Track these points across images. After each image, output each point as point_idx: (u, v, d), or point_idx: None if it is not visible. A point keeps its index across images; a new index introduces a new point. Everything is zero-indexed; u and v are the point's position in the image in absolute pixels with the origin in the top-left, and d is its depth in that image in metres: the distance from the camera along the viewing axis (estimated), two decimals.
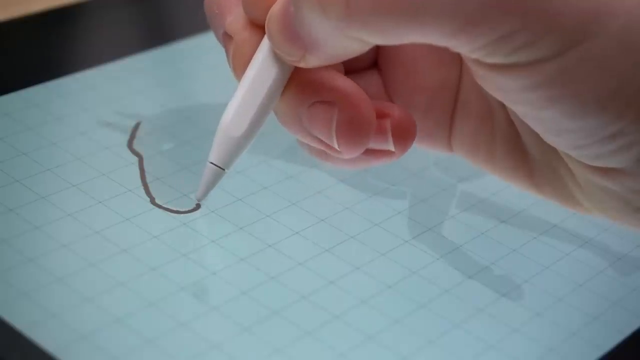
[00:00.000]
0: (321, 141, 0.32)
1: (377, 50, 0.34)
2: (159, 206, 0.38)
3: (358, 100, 0.31)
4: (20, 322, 0.32)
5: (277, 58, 0.31)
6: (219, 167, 0.33)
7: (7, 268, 0.34)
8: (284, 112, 0.32)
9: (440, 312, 0.35)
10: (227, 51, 0.32)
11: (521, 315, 0.35)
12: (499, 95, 0.30)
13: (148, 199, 0.38)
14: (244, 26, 0.32)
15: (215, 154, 0.32)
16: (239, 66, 0.32)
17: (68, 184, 0.38)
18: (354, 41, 0.28)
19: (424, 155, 0.42)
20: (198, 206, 0.38)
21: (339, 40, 0.29)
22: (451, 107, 0.34)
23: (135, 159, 0.40)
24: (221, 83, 0.46)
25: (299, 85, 0.31)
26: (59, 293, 0.33)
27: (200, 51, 0.49)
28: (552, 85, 0.28)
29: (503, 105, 0.33)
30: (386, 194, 0.40)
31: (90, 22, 0.51)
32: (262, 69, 0.31)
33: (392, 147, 0.32)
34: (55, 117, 0.42)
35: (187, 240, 0.36)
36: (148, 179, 0.39)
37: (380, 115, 0.32)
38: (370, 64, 0.34)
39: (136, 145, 0.41)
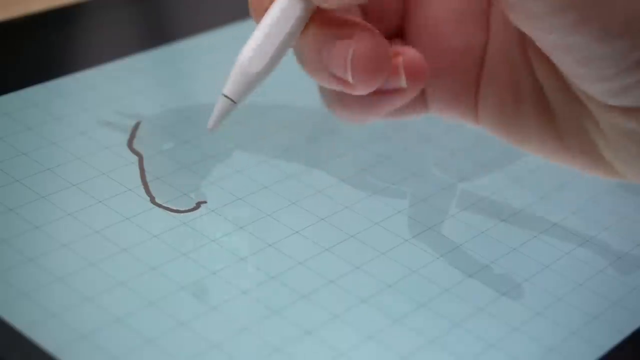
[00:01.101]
0: (338, 79, 0.33)
1: (402, 16, 0.34)
2: (159, 205, 0.38)
3: (374, 36, 0.32)
4: (20, 322, 0.32)
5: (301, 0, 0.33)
6: (232, 100, 0.34)
7: (7, 268, 0.34)
8: (304, 50, 0.33)
9: (440, 311, 0.35)
10: None
11: (521, 314, 0.35)
12: (528, 25, 0.30)
13: (148, 199, 0.38)
14: None
15: (230, 87, 0.34)
16: (259, 7, 0.33)
17: (68, 183, 0.38)
18: None
19: (424, 155, 0.43)
20: (198, 205, 0.38)
21: None
22: (476, 73, 0.35)
23: (135, 158, 0.40)
24: (221, 83, 0.46)
25: (321, 24, 0.33)
26: (59, 293, 0.33)
27: (200, 51, 0.49)
28: (582, 6, 0.28)
29: (528, 65, 0.34)
30: (386, 193, 0.40)
31: (90, 22, 0.51)
32: (285, 8, 0.33)
33: (404, 84, 0.33)
34: (56, 116, 0.42)
35: (187, 240, 0.36)
36: (148, 178, 0.39)
37: (394, 54, 0.33)
38: (395, 31, 0.35)
39: (136, 145, 0.41)
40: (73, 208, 0.37)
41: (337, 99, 0.34)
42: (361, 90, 0.32)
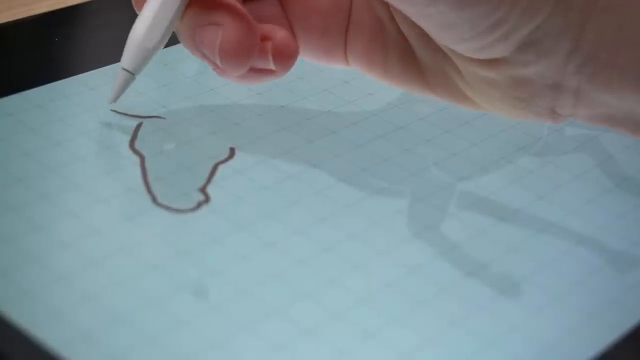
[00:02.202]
0: (210, 60, 0.36)
1: None
2: (161, 205, 0.38)
3: (242, 22, 0.35)
4: (23, 320, 0.32)
5: None
6: (131, 72, 0.39)
7: (10, 267, 0.34)
8: (182, 31, 0.37)
9: (439, 309, 0.35)
10: None
11: (519, 313, 0.35)
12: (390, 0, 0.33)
13: (150, 198, 0.38)
14: None
15: (128, 61, 0.39)
16: None
17: (70, 183, 0.38)
18: None
19: (424, 155, 0.43)
20: (199, 205, 0.38)
21: None
22: (344, 26, 0.38)
23: (137, 158, 0.40)
24: (221, 83, 0.46)
25: (197, 8, 0.36)
26: (60, 291, 0.34)
27: None
28: None
29: (393, 20, 0.37)
30: (386, 193, 0.40)
31: (93, 23, 0.51)
32: None
33: (273, 67, 0.37)
34: (58, 117, 0.42)
35: (188, 239, 0.36)
36: (149, 178, 0.39)
37: (263, 39, 0.36)
38: None
39: (138, 145, 0.41)
40: (75, 208, 0.37)
41: (215, 67, 0.37)
42: (230, 74, 0.36)
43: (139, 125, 0.42)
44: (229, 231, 0.37)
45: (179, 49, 0.49)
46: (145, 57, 0.38)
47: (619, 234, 0.39)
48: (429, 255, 0.37)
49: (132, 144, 0.41)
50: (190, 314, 0.33)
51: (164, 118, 0.43)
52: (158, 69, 0.47)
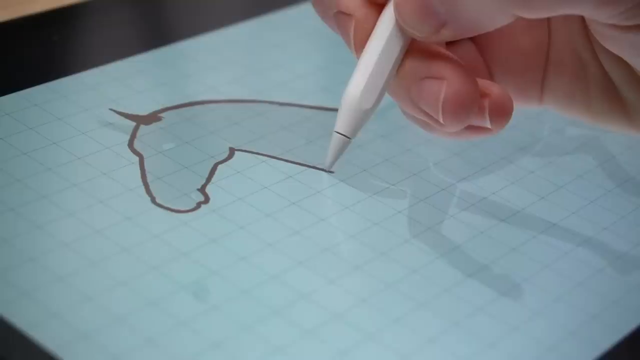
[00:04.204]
0: (427, 114, 0.34)
1: None
2: (160, 205, 0.38)
3: (466, 78, 0.33)
4: (21, 322, 0.32)
5: (400, 33, 0.34)
6: (346, 136, 0.36)
7: (8, 267, 0.34)
8: (396, 84, 0.35)
9: (439, 310, 0.35)
10: (341, 29, 0.35)
11: (520, 314, 0.35)
12: (630, 53, 0.32)
13: (149, 199, 0.38)
14: (362, 3, 0.34)
15: (343, 125, 0.36)
16: (360, 42, 0.35)
17: (69, 183, 0.38)
18: (506, 16, 0.31)
19: (424, 155, 0.43)
20: (198, 205, 0.38)
21: (491, 15, 0.31)
22: (543, 66, 0.37)
23: (136, 158, 0.40)
24: (221, 83, 0.46)
25: (413, 60, 0.34)
26: (59, 292, 0.33)
27: (200, 51, 0.49)
28: None
29: (595, 59, 0.36)
30: (386, 194, 0.40)
31: (91, 22, 0.51)
32: (386, 44, 0.34)
33: (488, 125, 0.35)
34: (57, 117, 0.42)
35: (187, 240, 0.36)
36: (149, 178, 0.39)
37: (481, 95, 0.34)
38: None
39: (137, 145, 0.41)
40: (74, 208, 0.37)
41: (425, 124, 0.35)
42: (449, 129, 0.34)
43: (138, 125, 0.42)
44: (229, 231, 0.37)
45: (179, 48, 0.49)
46: (361, 120, 0.35)
47: (620, 235, 0.39)
48: (430, 256, 0.37)
49: (131, 144, 0.41)
50: (190, 314, 0.33)
51: (163, 118, 0.43)
52: (157, 68, 0.47)
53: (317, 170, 0.41)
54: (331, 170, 0.39)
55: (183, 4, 0.53)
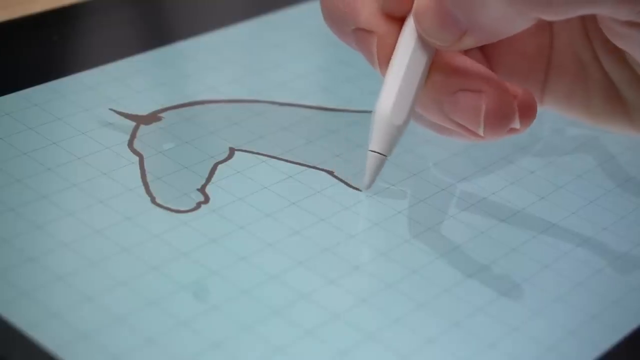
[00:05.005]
0: (461, 126, 0.34)
1: None
2: (160, 205, 0.38)
3: (502, 89, 0.33)
4: (21, 322, 0.32)
5: (423, 45, 0.33)
6: (382, 154, 0.35)
7: (8, 267, 0.34)
8: (425, 97, 0.34)
9: (439, 311, 0.35)
10: (362, 46, 0.35)
11: (520, 314, 0.35)
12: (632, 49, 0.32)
13: (149, 199, 0.38)
14: (383, 19, 0.34)
15: (377, 143, 0.35)
16: (384, 58, 0.34)
17: (69, 183, 0.38)
18: (526, 19, 0.31)
19: (424, 155, 0.43)
20: (198, 205, 0.38)
21: (511, 19, 0.31)
22: (545, 69, 0.37)
23: (135, 158, 0.40)
24: (221, 83, 0.46)
25: (443, 73, 0.34)
26: (59, 292, 0.33)
27: (200, 51, 0.49)
28: None
29: (596, 61, 0.36)
30: (386, 194, 0.40)
31: (91, 22, 0.51)
32: (412, 58, 0.34)
33: (518, 126, 0.34)
34: (56, 117, 0.42)
35: (187, 240, 0.36)
36: (148, 178, 0.39)
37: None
38: None
39: (137, 145, 0.41)
40: (74, 208, 0.37)
41: (444, 130, 0.35)
42: (490, 140, 0.34)
43: (138, 125, 0.42)
44: (229, 231, 0.37)
45: (179, 48, 0.49)
46: (395, 136, 0.35)
47: (620, 235, 0.39)
48: (430, 256, 0.37)
49: (131, 144, 0.41)
50: (190, 314, 0.33)
51: (163, 118, 0.43)
52: (157, 68, 0.47)
53: (317, 170, 0.41)
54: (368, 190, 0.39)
55: (183, 4, 0.53)
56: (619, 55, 0.35)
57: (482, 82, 0.33)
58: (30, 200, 0.37)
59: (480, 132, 0.33)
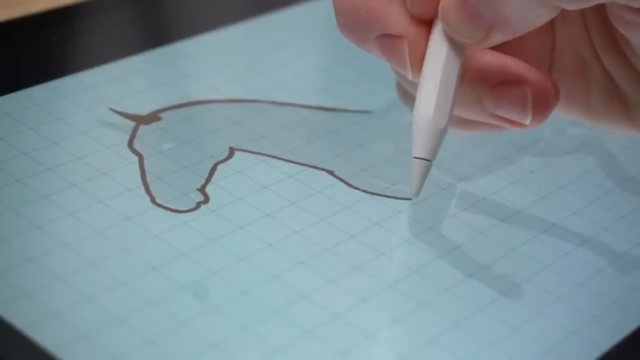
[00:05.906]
0: (504, 119, 0.34)
1: None
2: (160, 205, 0.38)
3: (542, 74, 0.33)
4: (21, 322, 0.32)
5: (454, 46, 0.33)
6: (427, 159, 0.35)
7: (8, 267, 0.34)
8: (462, 96, 0.34)
9: (440, 311, 0.35)
10: (390, 52, 0.34)
11: (521, 314, 0.35)
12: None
13: (148, 199, 0.38)
14: (411, 23, 0.34)
15: (421, 149, 0.34)
16: (417, 62, 0.34)
17: (69, 183, 0.38)
18: (548, 9, 0.31)
19: None
20: (198, 205, 0.38)
21: (534, 10, 0.31)
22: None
23: (135, 158, 0.40)
24: (221, 83, 0.46)
25: (479, 69, 0.34)
26: (59, 292, 0.33)
27: (200, 51, 0.49)
28: None
29: (597, 59, 0.36)
30: (386, 194, 0.40)
31: (91, 22, 0.51)
32: (447, 59, 0.33)
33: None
34: (56, 116, 0.42)
35: (187, 240, 0.36)
36: (148, 178, 0.39)
37: None
38: None
39: (136, 145, 0.41)
40: (74, 208, 0.37)
41: (464, 123, 0.36)
42: (533, 127, 0.34)
43: (137, 125, 0.42)
44: (229, 231, 0.37)
45: (178, 48, 0.49)
46: (438, 140, 0.34)
47: (621, 235, 0.39)
48: (430, 256, 0.37)
49: (130, 144, 0.41)
50: (190, 314, 0.33)
51: (163, 118, 0.43)
52: (157, 68, 0.47)
53: (317, 170, 0.41)
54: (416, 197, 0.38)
55: (183, 4, 0.53)
56: (620, 54, 0.36)
57: (522, 70, 0.33)
58: (30, 200, 0.37)
59: (527, 121, 0.34)
